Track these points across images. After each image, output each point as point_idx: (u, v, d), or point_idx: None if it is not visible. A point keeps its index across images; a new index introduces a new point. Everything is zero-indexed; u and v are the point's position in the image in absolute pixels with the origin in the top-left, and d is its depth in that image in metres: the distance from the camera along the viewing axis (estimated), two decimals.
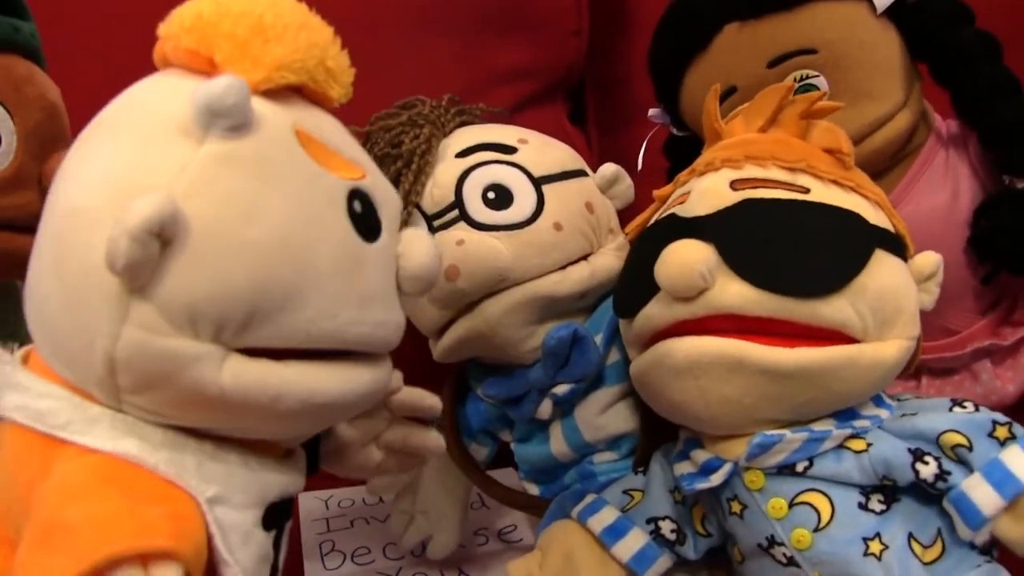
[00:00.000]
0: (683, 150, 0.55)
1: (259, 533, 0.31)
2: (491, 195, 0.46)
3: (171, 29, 0.31)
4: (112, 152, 0.29)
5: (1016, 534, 0.35)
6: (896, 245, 0.39)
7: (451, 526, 0.53)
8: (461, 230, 0.45)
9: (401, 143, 0.47)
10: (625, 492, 0.46)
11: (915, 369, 0.52)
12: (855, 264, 0.37)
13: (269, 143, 0.29)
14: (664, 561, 0.44)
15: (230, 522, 0.30)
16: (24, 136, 0.45)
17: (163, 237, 0.26)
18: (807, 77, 0.47)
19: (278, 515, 0.33)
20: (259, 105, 0.30)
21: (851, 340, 0.37)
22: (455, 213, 0.46)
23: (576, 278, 0.46)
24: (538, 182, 0.46)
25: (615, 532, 0.44)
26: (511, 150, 0.48)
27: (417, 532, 0.53)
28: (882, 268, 0.38)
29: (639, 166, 0.56)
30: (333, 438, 0.41)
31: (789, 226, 0.38)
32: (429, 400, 0.42)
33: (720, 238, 0.37)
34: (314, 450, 0.40)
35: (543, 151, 0.49)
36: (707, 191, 0.40)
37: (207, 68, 0.30)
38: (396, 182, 0.46)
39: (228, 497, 0.30)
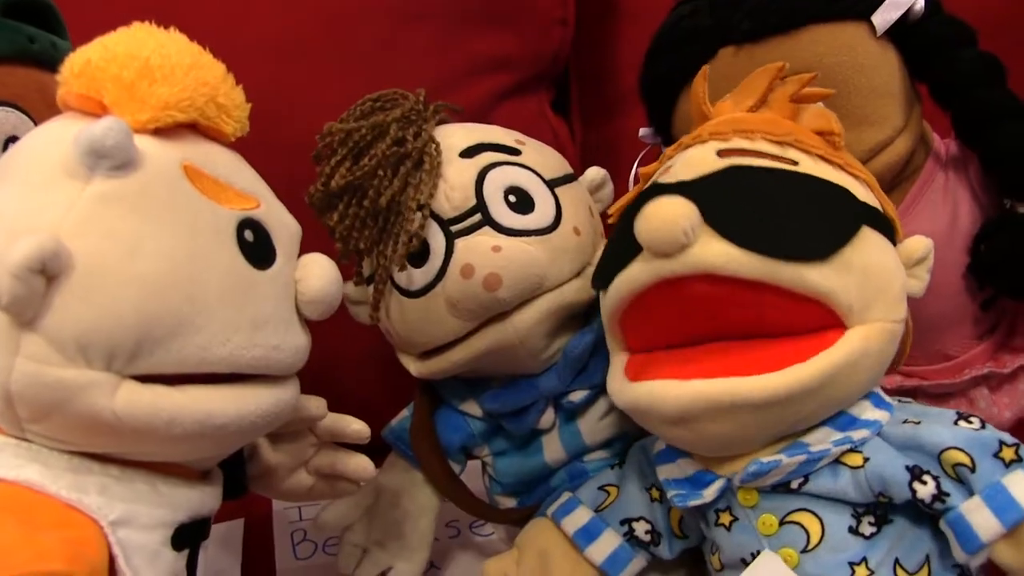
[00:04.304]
0: None
1: (168, 553, 0.33)
2: (512, 198, 0.44)
3: (64, 75, 0.33)
4: (5, 196, 0.32)
5: (1015, 561, 0.34)
6: (885, 226, 0.38)
7: (414, 555, 0.51)
8: (489, 235, 0.43)
9: (404, 141, 0.44)
10: (600, 488, 0.45)
11: (912, 393, 0.52)
12: (843, 234, 0.35)
13: (154, 180, 0.31)
14: (638, 562, 0.43)
15: (135, 543, 0.31)
16: None
17: (47, 273, 0.29)
18: None
19: (190, 535, 0.35)
20: (146, 144, 0.32)
21: (834, 316, 0.35)
22: (478, 217, 0.44)
23: (591, 284, 0.45)
24: (550, 185, 0.46)
25: (588, 534, 0.43)
26: (515, 151, 0.46)
27: (373, 566, 0.50)
28: (869, 245, 0.36)
29: (631, 187, 0.55)
30: (259, 462, 0.43)
31: (776, 192, 0.36)
32: (355, 425, 0.43)
33: (704, 199, 0.35)
34: (241, 472, 0.41)
35: (543, 154, 0.48)
36: (692, 158, 0.38)
37: (98, 111, 0.33)
38: (404, 184, 0.44)
39: (133, 519, 0.32)
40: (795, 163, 0.38)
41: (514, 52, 0.71)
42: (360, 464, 0.43)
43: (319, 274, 0.36)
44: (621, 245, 0.38)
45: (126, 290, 0.30)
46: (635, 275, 0.37)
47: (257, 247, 0.34)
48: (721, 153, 0.38)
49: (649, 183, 0.41)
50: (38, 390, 0.30)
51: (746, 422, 0.35)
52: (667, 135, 0.54)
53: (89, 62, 0.32)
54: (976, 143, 0.47)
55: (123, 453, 0.32)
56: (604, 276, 0.40)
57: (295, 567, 0.54)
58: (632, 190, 0.44)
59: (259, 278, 0.33)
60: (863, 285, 0.35)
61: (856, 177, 0.39)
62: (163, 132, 0.33)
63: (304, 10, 0.64)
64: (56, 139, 0.32)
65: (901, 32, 0.47)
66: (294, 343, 0.35)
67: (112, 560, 0.31)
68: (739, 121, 0.40)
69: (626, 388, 0.38)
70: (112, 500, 0.31)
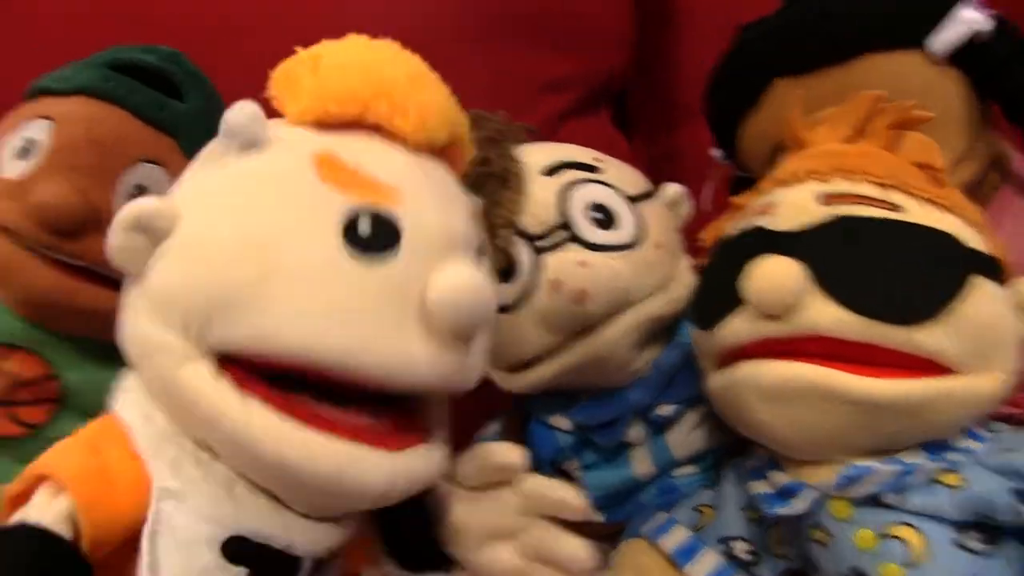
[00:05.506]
0: (749, 188, 0.53)
1: (207, 554, 0.31)
2: (596, 215, 0.45)
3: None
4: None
5: None
6: (993, 269, 0.38)
7: None
8: (576, 251, 0.45)
9: (489, 160, 0.46)
10: (695, 508, 0.45)
11: (1006, 420, 0.47)
12: (952, 290, 0.36)
13: (272, 161, 0.33)
14: None
15: (175, 521, 0.31)
16: (56, 150, 0.43)
17: (149, 232, 0.32)
18: None
19: (255, 558, 0.32)
20: (287, 132, 0.34)
21: (945, 369, 0.36)
22: (564, 234, 0.45)
23: (676, 297, 0.46)
24: (631, 201, 0.47)
25: (688, 552, 0.43)
26: (596, 169, 0.48)
27: None
28: (980, 295, 0.36)
29: (708, 205, 0.55)
30: (444, 518, 0.38)
31: (883, 247, 0.36)
32: (562, 493, 0.41)
33: (811, 256, 0.36)
34: (426, 530, 0.38)
35: (623, 171, 0.49)
36: (794, 205, 0.39)
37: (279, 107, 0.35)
38: (494, 203, 0.45)
39: (186, 498, 0.31)
40: (900, 208, 0.38)
41: (576, 71, 0.72)
42: (576, 550, 0.39)
43: (448, 284, 0.32)
44: (720, 289, 0.39)
45: (205, 255, 0.31)
46: (739, 330, 0.38)
47: (370, 238, 0.32)
48: (824, 199, 0.38)
49: (750, 223, 0.41)
50: (132, 341, 0.33)
51: (839, 418, 0.36)
52: (735, 159, 0.54)
53: (285, 65, 0.35)
54: None
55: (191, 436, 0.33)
56: (705, 318, 0.41)
57: None
58: (725, 216, 0.44)
59: (358, 268, 0.32)
60: (977, 339, 0.35)
61: (962, 218, 0.39)
62: (326, 126, 0.34)
63: (369, 32, 0.63)
64: None
65: (968, 54, 0.46)
66: (394, 348, 0.31)
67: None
68: (838, 157, 0.40)
69: (724, 372, 0.39)
70: (177, 473, 0.31)
